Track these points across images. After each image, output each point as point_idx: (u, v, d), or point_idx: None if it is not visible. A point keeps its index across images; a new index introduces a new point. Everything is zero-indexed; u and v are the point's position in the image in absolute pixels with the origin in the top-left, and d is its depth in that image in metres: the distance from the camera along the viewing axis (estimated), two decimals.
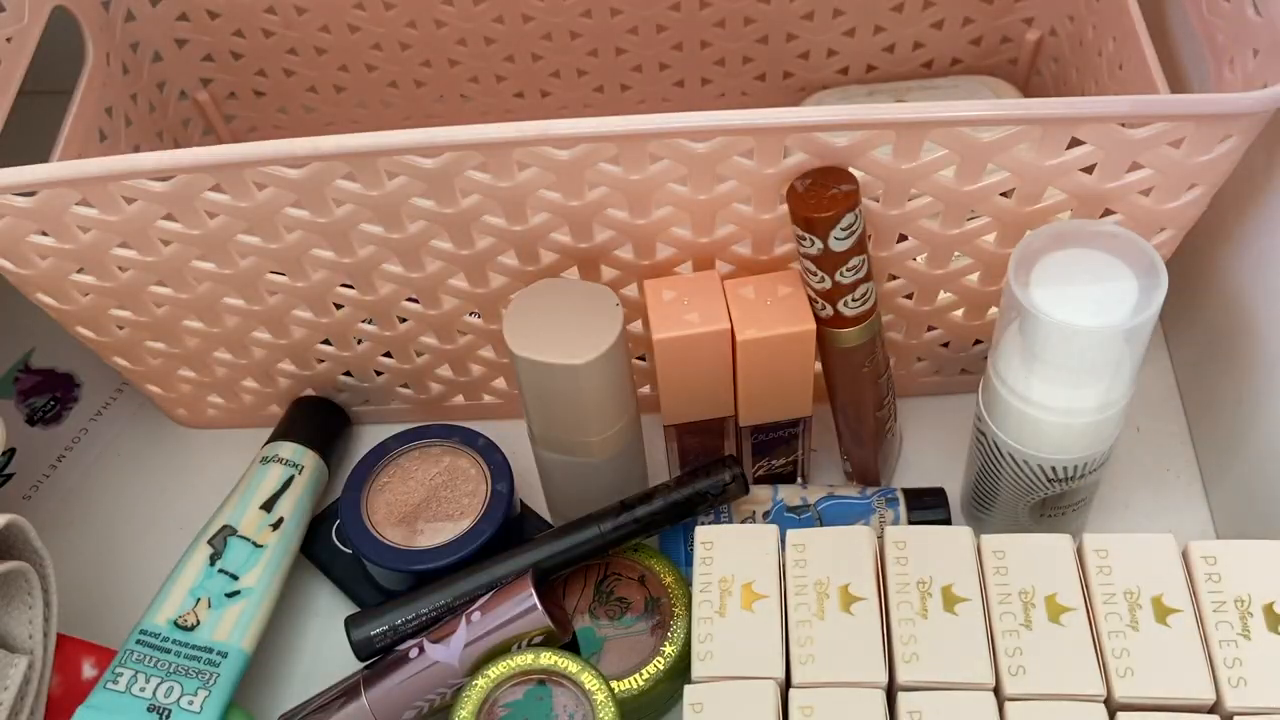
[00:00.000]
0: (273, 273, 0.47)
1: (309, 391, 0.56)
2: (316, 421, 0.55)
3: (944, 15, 0.61)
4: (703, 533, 0.44)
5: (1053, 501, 0.46)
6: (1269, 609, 0.40)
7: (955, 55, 0.63)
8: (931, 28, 0.62)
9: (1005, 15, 0.61)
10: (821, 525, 0.49)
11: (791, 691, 0.40)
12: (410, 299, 0.49)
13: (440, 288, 0.48)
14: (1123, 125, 0.40)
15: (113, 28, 0.58)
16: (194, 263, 0.46)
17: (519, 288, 0.47)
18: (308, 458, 0.53)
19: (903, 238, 0.46)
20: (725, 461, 0.48)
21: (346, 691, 0.45)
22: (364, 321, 0.51)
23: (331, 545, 0.53)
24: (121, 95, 0.58)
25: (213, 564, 0.49)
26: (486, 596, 0.45)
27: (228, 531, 0.50)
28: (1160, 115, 0.40)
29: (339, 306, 0.50)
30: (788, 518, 0.50)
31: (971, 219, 0.45)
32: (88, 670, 0.46)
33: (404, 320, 0.51)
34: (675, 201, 0.44)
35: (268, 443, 0.54)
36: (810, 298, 0.44)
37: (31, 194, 0.42)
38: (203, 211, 0.44)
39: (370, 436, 0.58)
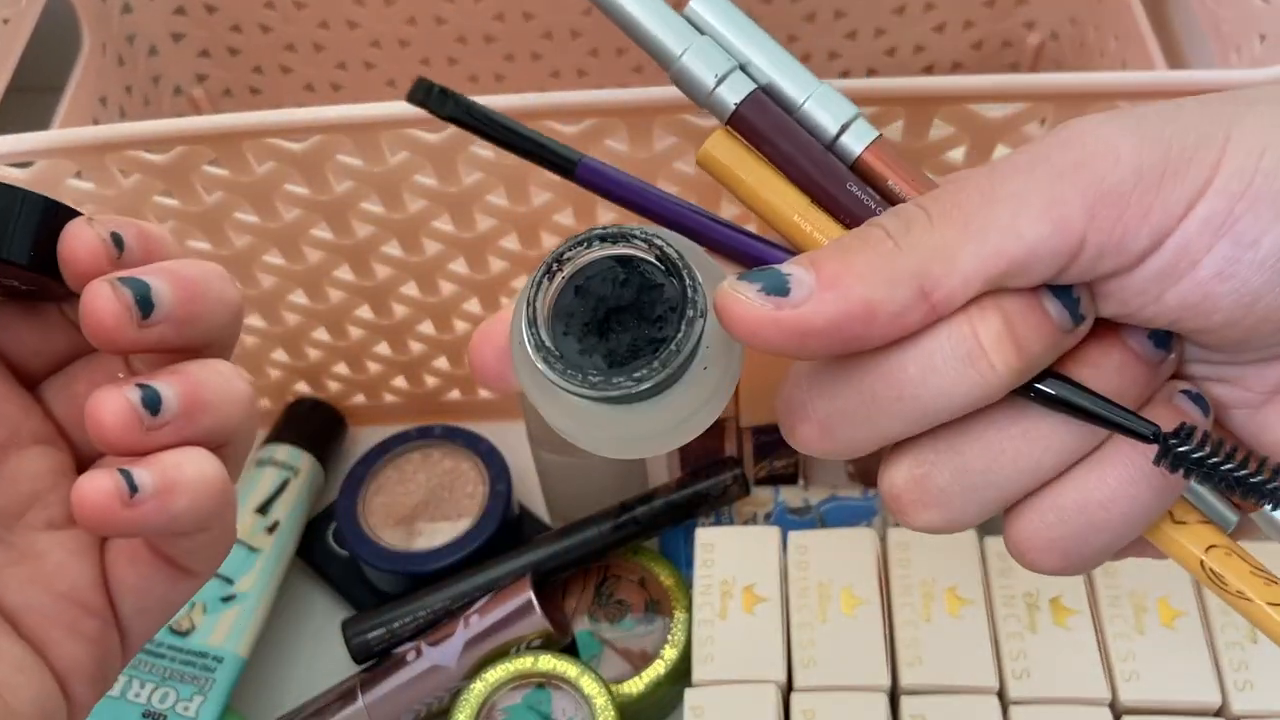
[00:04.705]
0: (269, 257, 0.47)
1: (301, 385, 0.56)
2: (312, 424, 0.55)
3: (945, 19, 0.61)
4: (704, 534, 0.43)
5: None
6: None
7: (956, 59, 0.63)
8: (933, 31, 0.62)
9: (1007, 19, 0.61)
10: (824, 527, 0.49)
11: (793, 695, 0.39)
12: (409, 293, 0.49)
13: (439, 272, 0.48)
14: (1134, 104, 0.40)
15: (109, 18, 0.58)
16: (189, 243, 0.46)
17: (519, 274, 0.47)
18: (303, 460, 0.53)
19: None
20: (726, 463, 0.48)
21: (343, 695, 0.45)
22: (360, 309, 0.50)
23: (328, 548, 0.52)
24: (116, 86, 0.58)
25: None
26: (485, 599, 0.45)
27: None
28: (1173, 88, 0.40)
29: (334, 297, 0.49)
30: (790, 519, 0.49)
31: None
32: None
33: (401, 307, 0.50)
34: (683, 181, 0.43)
35: (262, 445, 0.53)
36: None
37: (28, 165, 0.42)
38: (200, 186, 0.43)
39: (367, 438, 0.57)
